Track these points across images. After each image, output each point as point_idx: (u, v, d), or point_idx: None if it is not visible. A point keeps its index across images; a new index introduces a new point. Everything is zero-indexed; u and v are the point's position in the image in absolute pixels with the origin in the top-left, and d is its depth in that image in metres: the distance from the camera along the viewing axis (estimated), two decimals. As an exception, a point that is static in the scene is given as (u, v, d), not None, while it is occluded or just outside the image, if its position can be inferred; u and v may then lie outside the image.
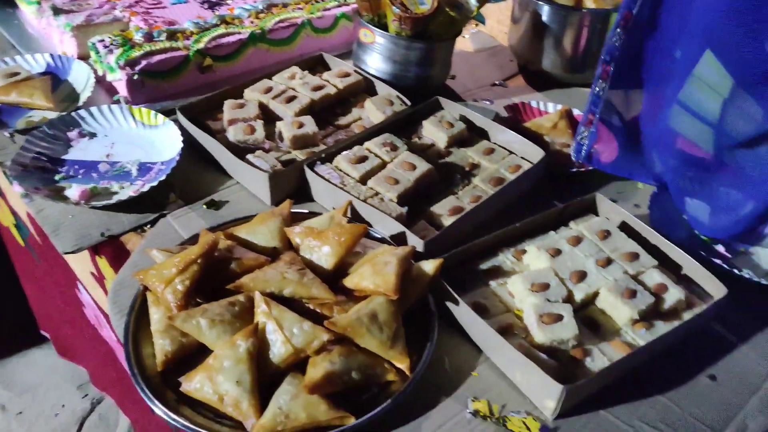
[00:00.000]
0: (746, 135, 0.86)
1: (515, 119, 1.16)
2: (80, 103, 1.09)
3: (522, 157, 1.03)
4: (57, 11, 1.22)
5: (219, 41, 1.18)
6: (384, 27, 1.14)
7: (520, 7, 1.28)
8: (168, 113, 1.09)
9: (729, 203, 0.89)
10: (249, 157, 0.97)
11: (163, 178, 0.94)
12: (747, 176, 0.87)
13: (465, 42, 1.43)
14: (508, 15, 1.34)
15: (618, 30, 0.90)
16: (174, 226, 0.91)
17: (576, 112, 1.16)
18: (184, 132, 1.02)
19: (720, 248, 0.95)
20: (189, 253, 0.74)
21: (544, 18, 1.22)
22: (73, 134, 1.04)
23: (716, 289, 0.81)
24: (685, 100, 0.89)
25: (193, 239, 0.84)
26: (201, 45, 1.16)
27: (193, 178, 0.99)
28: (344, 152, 0.98)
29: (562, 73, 1.28)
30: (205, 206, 0.95)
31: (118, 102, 1.12)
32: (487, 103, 1.24)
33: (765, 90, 0.81)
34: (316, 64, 1.21)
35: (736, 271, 0.87)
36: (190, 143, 1.01)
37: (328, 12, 1.31)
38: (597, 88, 0.94)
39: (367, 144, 0.99)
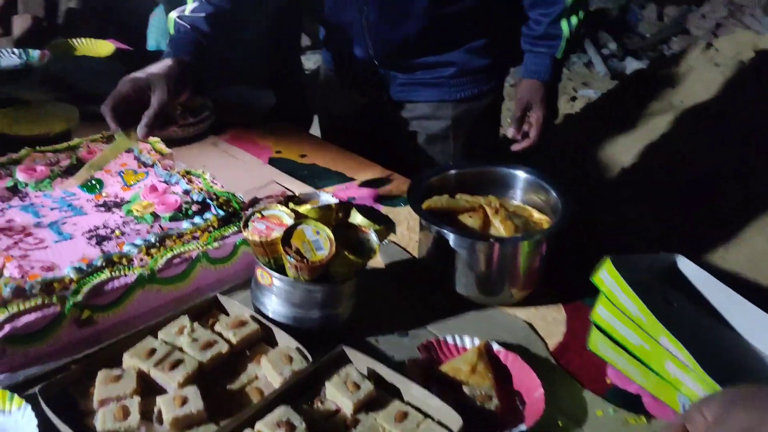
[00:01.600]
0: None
1: (431, 361, 1.07)
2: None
3: (439, 422, 0.92)
4: None
5: (101, 289, 1.07)
6: (282, 268, 1.06)
7: (424, 227, 1.23)
8: (35, 381, 0.96)
9: None
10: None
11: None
12: None
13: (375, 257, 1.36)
14: (418, 220, 1.28)
15: None
16: None
17: (495, 347, 1.09)
18: (44, 418, 0.88)
19: None
20: None
21: (451, 243, 1.17)
22: None
23: None
24: None
25: None
26: (79, 297, 1.04)
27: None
28: (232, 441, 0.85)
29: (477, 297, 1.21)
30: None
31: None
32: (400, 336, 1.15)
33: None
34: (210, 308, 1.11)
35: None
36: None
37: (227, 240, 1.22)
38: None
39: (259, 426, 0.87)
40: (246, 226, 1.06)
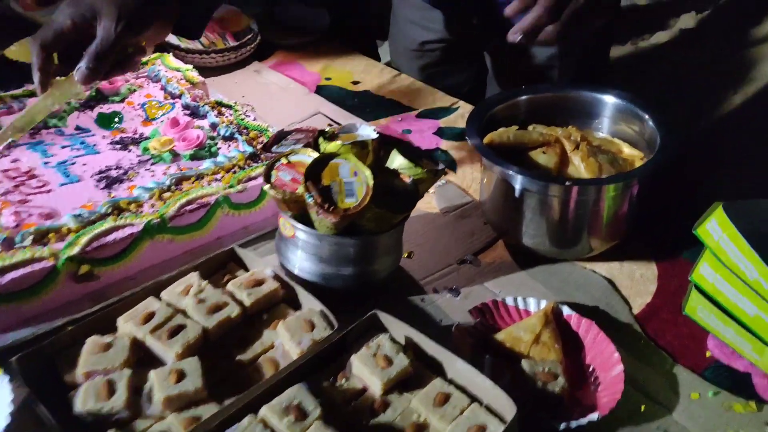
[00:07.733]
0: None
1: (484, 327, 0.88)
2: None
3: (488, 407, 0.73)
4: None
5: (102, 240, 0.93)
6: (309, 218, 0.88)
7: (486, 166, 1.01)
8: (26, 345, 0.84)
9: None
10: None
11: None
12: None
13: (429, 198, 1.15)
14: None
15: None
16: None
17: (566, 311, 0.88)
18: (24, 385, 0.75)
19: None
20: None
21: (518, 186, 0.94)
22: None
23: None
24: None
25: None
26: (75, 249, 0.90)
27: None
28: (230, 430, 0.70)
29: (548, 249, 0.99)
30: None
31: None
32: (451, 296, 0.96)
33: None
34: (226, 262, 0.95)
35: None
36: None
37: (253, 183, 1.05)
38: None
39: (264, 411, 0.71)
40: (268, 176, 0.88)
